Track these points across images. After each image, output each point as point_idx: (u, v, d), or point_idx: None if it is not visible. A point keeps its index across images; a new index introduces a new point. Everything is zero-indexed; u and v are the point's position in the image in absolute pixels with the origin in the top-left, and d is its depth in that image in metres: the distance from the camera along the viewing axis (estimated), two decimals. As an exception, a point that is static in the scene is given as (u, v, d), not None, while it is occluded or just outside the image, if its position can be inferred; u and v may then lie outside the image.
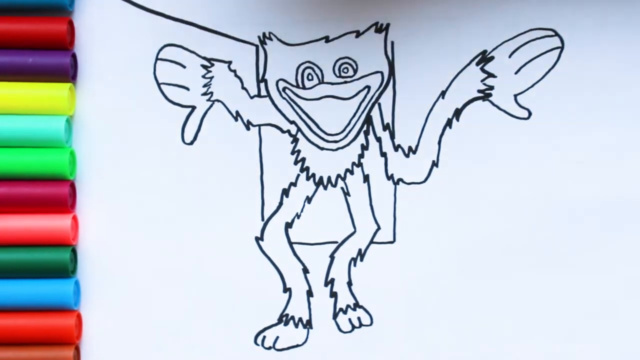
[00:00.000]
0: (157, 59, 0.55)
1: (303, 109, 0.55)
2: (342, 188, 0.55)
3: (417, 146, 0.55)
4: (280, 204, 0.55)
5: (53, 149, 0.54)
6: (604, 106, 0.55)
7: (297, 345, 0.55)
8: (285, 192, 0.55)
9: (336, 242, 0.55)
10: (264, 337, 0.55)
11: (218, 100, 0.55)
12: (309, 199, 0.55)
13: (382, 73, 0.55)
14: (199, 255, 0.55)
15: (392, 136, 0.55)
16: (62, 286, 0.54)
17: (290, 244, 0.55)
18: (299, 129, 0.55)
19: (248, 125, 0.55)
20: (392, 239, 0.55)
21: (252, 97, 0.55)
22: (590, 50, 0.55)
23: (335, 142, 0.55)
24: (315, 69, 0.55)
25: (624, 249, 0.55)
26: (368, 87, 0.55)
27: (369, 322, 0.55)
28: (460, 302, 0.55)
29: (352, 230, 0.55)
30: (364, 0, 0.55)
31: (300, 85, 0.55)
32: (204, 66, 0.55)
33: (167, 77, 0.55)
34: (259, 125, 0.55)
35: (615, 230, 0.55)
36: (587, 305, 0.55)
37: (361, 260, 0.55)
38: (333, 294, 0.56)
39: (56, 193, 0.54)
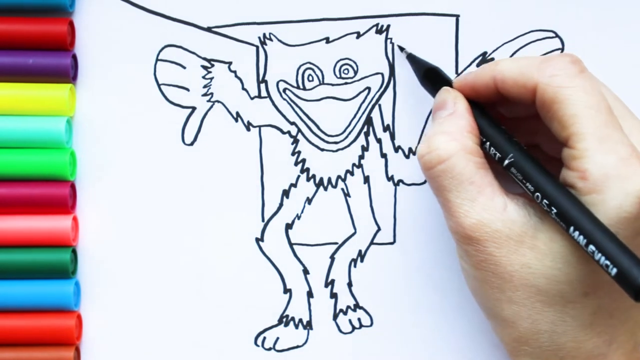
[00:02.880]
0: (157, 59, 0.55)
1: (303, 110, 0.55)
2: (342, 189, 0.55)
3: (417, 147, 0.55)
4: (281, 205, 0.55)
5: (53, 150, 0.54)
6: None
7: (298, 346, 0.55)
8: (286, 193, 0.55)
9: (336, 243, 0.56)
10: (264, 338, 0.55)
11: (218, 101, 0.55)
12: (309, 200, 0.55)
13: (382, 74, 0.55)
14: (199, 256, 0.55)
15: (393, 137, 0.55)
16: (62, 287, 0.54)
17: (291, 245, 0.55)
18: (299, 130, 0.55)
19: (248, 126, 0.55)
20: (392, 240, 0.55)
21: (252, 98, 0.55)
22: (590, 51, 0.55)
23: (336, 143, 0.55)
24: (316, 69, 0.55)
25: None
26: (368, 88, 0.55)
27: (369, 323, 0.55)
28: (461, 302, 0.55)
29: (353, 231, 0.55)
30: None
31: (301, 86, 0.55)
32: (204, 67, 0.55)
33: (167, 77, 0.55)
34: (260, 126, 0.55)
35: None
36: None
37: (361, 261, 0.55)
38: (333, 295, 0.56)
39: (56, 194, 0.54)
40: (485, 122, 0.49)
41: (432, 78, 0.52)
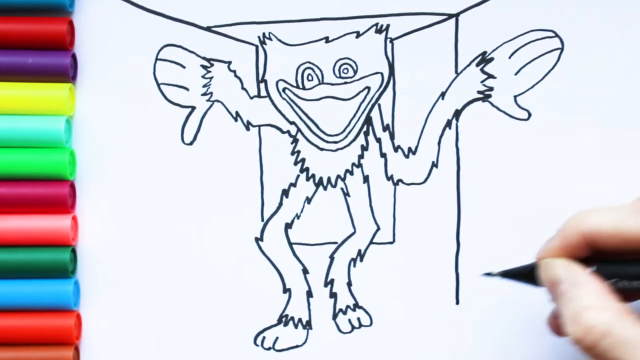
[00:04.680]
0: (156, 59, 0.55)
1: (303, 109, 0.55)
2: (341, 189, 0.55)
3: (416, 147, 0.55)
4: (280, 204, 0.55)
5: (53, 149, 0.54)
6: (603, 107, 0.55)
7: (297, 346, 0.55)
8: (285, 193, 0.55)
9: (336, 243, 0.55)
10: (264, 337, 0.55)
11: (218, 101, 0.55)
12: (308, 200, 0.55)
13: (382, 74, 0.55)
14: (198, 256, 0.55)
15: (392, 137, 0.55)
16: (62, 286, 0.54)
17: (290, 244, 0.55)
18: (298, 130, 0.55)
19: (248, 125, 0.55)
20: (391, 240, 0.55)
21: (252, 98, 0.55)
22: (590, 51, 0.55)
23: (335, 142, 0.55)
24: (315, 69, 0.55)
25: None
26: (368, 87, 0.55)
27: (368, 323, 0.55)
28: (460, 302, 0.55)
29: (352, 230, 0.55)
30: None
31: (300, 86, 0.55)
32: (203, 66, 0.55)
33: (166, 77, 0.55)
34: (259, 126, 0.55)
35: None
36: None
37: (361, 260, 0.55)
38: (333, 295, 0.56)
39: (56, 193, 0.54)
40: (610, 270, 0.47)
41: (521, 272, 0.51)
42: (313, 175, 0.55)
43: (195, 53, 0.55)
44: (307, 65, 0.55)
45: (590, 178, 0.55)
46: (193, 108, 0.55)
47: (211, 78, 0.55)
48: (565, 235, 0.48)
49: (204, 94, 0.55)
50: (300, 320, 0.55)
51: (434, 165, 0.55)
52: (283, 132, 0.55)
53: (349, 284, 0.56)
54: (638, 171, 0.55)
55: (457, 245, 0.55)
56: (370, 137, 0.55)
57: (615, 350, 0.45)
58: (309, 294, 0.56)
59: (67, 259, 0.54)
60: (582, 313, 0.45)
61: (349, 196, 0.55)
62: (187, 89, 0.55)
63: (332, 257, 0.55)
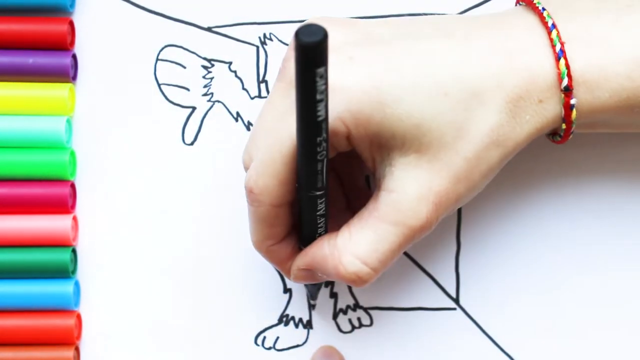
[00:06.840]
0: (157, 59, 0.55)
1: (303, 110, 0.55)
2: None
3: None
4: (281, 204, 0.55)
5: (53, 150, 0.54)
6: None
7: (298, 346, 0.55)
8: (286, 193, 0.55)
9: (336, 243, 0.55)
10: (264, 337, 0.55)
11: (218, 101, 0.55)
12: (309, 200, 0.55)
13: (382, 74, 0.55)
14: (199, 256, 0.55)
15: (393, 137, 0.55)
16: (62, 287, 0.54)
17: (291, 244, 0.55)
18: (299, 130, 0.55)
19: (249, 126, 0.55)
20: (392, 240, 0.55)
21: (252, 98, 0.56)
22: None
23: (336, 143, 0.55)
24: (316, 70, 0.55)
25: (624, 249, 0.55)
26: (368, 88, 0.55)
27: (368, 323, 0.56)
28: (460, 302, 0.55)
29: (353, 231, 0.55)
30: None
31: (301, 86, 0.55)
32: (204, 67, 0.55)
33: (167, 77, 0.55)
34: (260, 126, 0.55)
35: (617, 230, 0.55)
36: (592, 305, 0.55)
37: (361, 260, 0.55)
38: (333, 295, 0.56)
39: (56, 193, 0.54)
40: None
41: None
42: (314, 176, 0.55)
43: (196, 53, 0.55)
44: (308, 65, 0.55)
45: (590, 177, 0.55)
46: (194, 108, 0.55)
47: (212, 78, 0.55)
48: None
49: (205, 95, 0.55)
50: (300, 320, 0.55)
51: (435, 165, 0.55)
52: (284, 133, 0.55)
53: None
54: (638, 168, 0.55)
55: (457, 245, 0.55)
56: (371, 138, 0.55)
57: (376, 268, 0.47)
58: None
59: (68, 259, 0.54)
60: (340, 276, 0.47)
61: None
62: (187, 89, 0.55)
63: (332, 257, 0.55)
